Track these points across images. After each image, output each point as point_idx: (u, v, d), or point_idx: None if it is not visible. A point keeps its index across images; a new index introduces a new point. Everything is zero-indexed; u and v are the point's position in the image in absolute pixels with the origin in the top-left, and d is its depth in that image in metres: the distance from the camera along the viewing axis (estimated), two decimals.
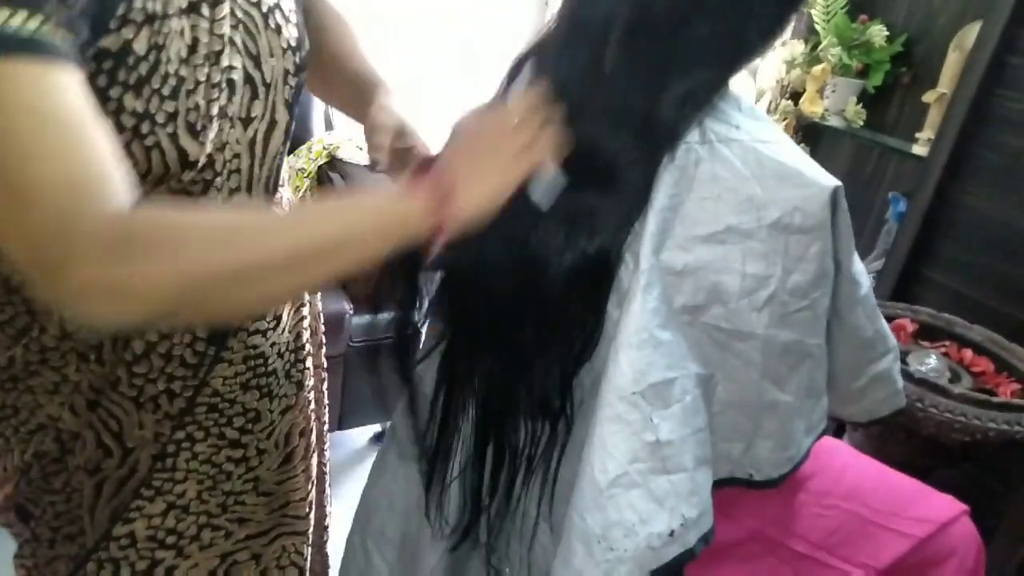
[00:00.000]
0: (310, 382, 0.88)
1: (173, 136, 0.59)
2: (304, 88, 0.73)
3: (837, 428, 1.47)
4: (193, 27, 0.59)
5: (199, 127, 0.60)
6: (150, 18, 0.55)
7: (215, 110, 0.61)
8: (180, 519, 0.76)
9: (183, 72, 0.58)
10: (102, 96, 0.54)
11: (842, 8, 1.75)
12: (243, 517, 0.81)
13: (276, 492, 0.85)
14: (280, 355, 0.81)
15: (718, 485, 0.63)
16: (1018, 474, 1.37)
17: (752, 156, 0.56)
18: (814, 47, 1.79)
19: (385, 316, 1.92)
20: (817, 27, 1.78)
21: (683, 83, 0.56)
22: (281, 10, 0.68)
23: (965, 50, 1.57)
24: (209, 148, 0.62)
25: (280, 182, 0.74)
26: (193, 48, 0.59)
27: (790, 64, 1.77)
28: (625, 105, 0.57)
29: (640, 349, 0.55)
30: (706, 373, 0.58)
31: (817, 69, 1.74)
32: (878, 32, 1.70)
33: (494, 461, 0.66)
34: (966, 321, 1.51)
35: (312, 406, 0.89)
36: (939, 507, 0.86)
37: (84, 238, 0.45)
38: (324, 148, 1.85)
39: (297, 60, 0.69)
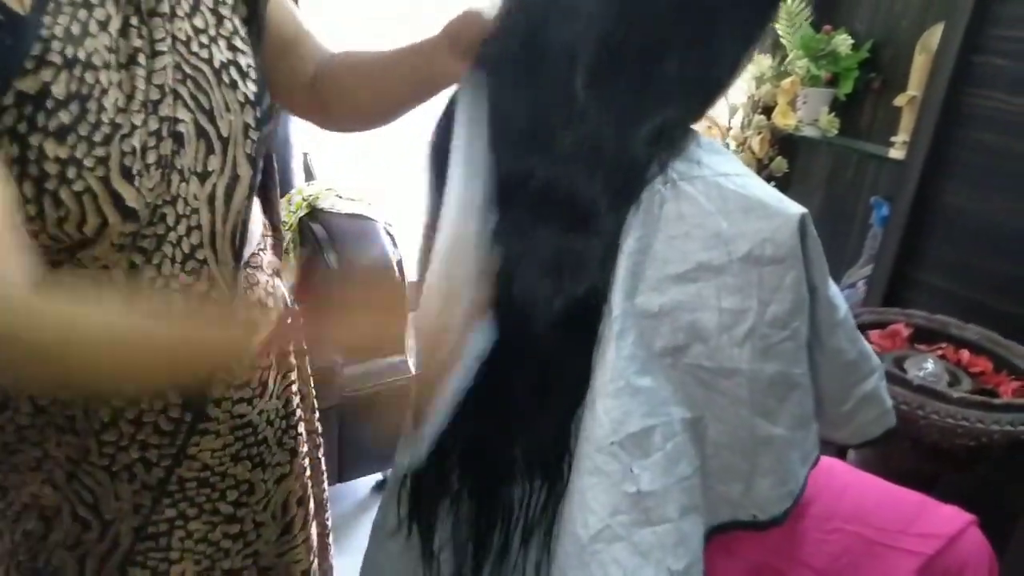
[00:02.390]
0: (304, 448, 0.86)
1: (104, 179, 0.58)
2: (269, 142, 0.73)
3: (840, 448, 1.45)
4: (132, 77, 0.59)
5: (134, 171, 0.59)
6: (69, 63, 0.55)
7: (152, 157, 0.61)
8: None
9: (119, 120, 0.58)
10: (21, 143, 0.54)
11: (806, 20, 1.76)
12: None
13: (277, 565, 0.83)
14: (270, 423, 0.79)
15: (722, 529, 0.61)
16: None
17: (716, 191, 0.55)
18: (781, 60, 1.81)
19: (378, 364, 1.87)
20: (783, 40, 1.79)
21: (653, 121, 0.56)
22: (237, 66, 0.67)
23: (931, 52, 1.58)
24: (150, 198, 0.61)
25: (248, 236, 0.72)
26: (131, 96, 0.59)
27: (759, 79, 1.78)
28: (596, 145, 0.57)
29: (616, 398, 0.54)
30: (693, 416, 0.56)
31: (786, 82, 1.75)
32: (843, 41, 1.71)
33: (486, 526, 0.64)
34: (960, 321, 1.49)
35: (308, 472, 0.87)
36: (946, 520, 0.84)
37: None
38: (304, 199, 1.85)
39: (257, 114, 0.68)
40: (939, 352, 1.47)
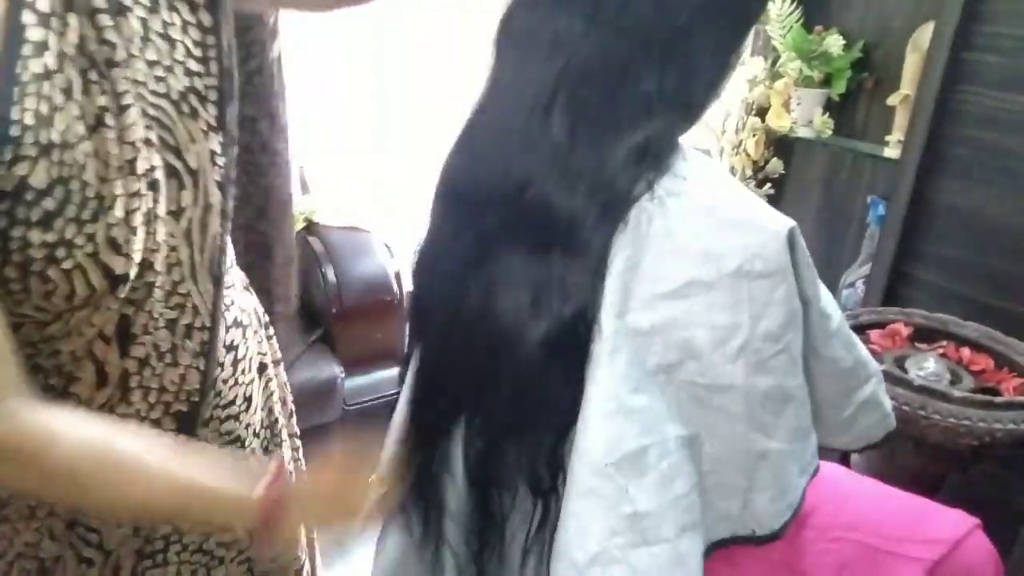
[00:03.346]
0: (288, 453, 0.88)
1: (94, 256, 0.58)
2: (236, 163, 0.71)
3: (843, 453, 1.45)
4: (103, 141, 0.58)
5: (122, 240, 0.59)
6: (45, 149, 0.54)
7: (138, 219, 0.60)
8: None
9: (102, 191, 0.57)
10: (2, 236, 0.53)
11: (797, 22, 1.76)
12: None
13: (272, 570, 0.84)
14: (256, 434, 0.80)
15: (722, 545, 0.61)
16: None
17: (703, 207, 0.55)
18: (774, 62, 1.81)
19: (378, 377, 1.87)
20: (774, 43, 1.79)
21: (634, 139, 0.56)
22: (195, 91, 0.65)
23: (922, 51, 1.58)
24: (139, 257, 0.61)
25: (227, 261, 0.72)
26: (106, 163, 0.58)
27: (752, 82, 1.78)
28: (578, 166, 0.57)
29: (610, 419, 0.53)
30: (689, 434, 0.56)
31: (779, 84, 1.75)
32: (835, 41, 1.71)
33: (482, 547, 0.64)
34: (959, 319, 1.49)
35: (293, 473, 0.89)
36: (949, 524, 0.83)
37: None
38: (300, 213, 1.85)
39: (221, 139, 0.67)
40: (940, 351, 1.46)
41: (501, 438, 0.63)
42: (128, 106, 0.59)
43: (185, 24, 0.65)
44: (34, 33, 0.55)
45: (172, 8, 0.64)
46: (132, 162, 0.59)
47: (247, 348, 0.79)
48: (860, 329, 1.51)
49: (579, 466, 0.55)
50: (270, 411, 0.84)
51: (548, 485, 0.60)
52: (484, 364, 0.62)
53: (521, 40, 0.60)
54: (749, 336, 0.54)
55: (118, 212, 0.58)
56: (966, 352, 1.45)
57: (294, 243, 1.05)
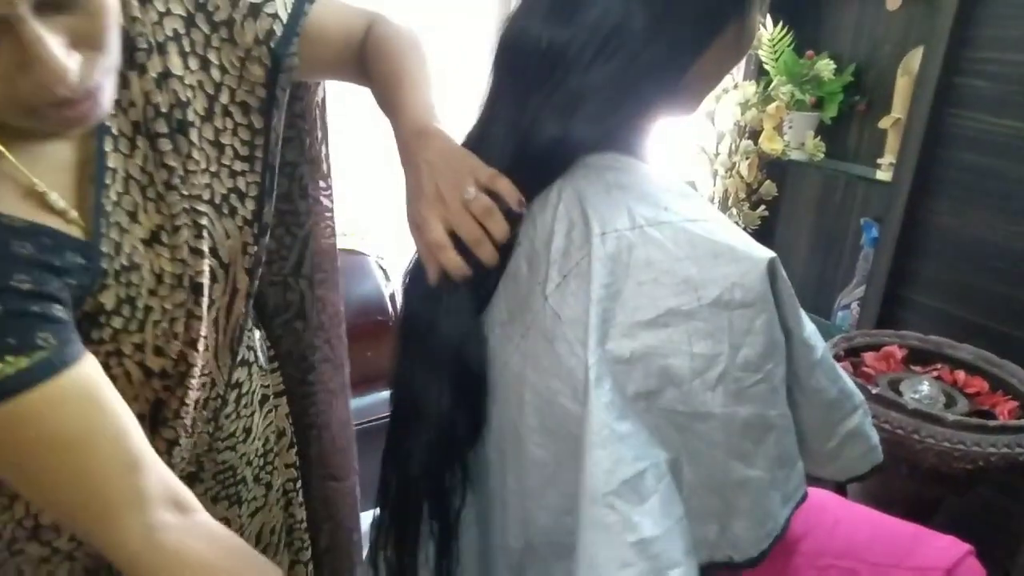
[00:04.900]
0: (279, 480, 0.87)
1: (140, 363, 0.62)
2: (265, 245, 0.73)
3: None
4: (158, 256, 0.61)
5: (163, 344, 0.62)
6: (117, 274, 0.57)
7: (180, 326, 0.63)
8: None
9: (151, 303, 0.60)
10: None
11: (788, 46, 1.78)
12: None
13: None
14: (249, 463, 0.81)
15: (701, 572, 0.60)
16: None
17: (683, 236, 0.55)
18: (766, 86, 1.82)
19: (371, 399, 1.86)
20: (766, 67, 1.81)
21: (554, 131, 0.58)
22: (237, 191, 0.67)
23: (913, 74, 1.60)
24: (174, 353, 0.64)
25: (246, 330, 0.75)
26: (160, 279, 0.61)
27: (744, 105, 1.79)
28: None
29: (604, 447, 0.53)
30: (671, 457, 0.56)
31: (772, 107, 1.77)
32: (826, 66, 1.73)
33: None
34: (954, 341, 1.49)
35: (281, 500, 0.89)
36: (941, 551, 0.82)
37: (120, 535, 0.53)
38: None
39: (255, 230, 0.68)
40: (934, 373, 1.46)
41: (433, 451, 0.65)
42: (180, 226, 0.62)
43: (236, 127, 0.66)
44: (112, 160, 0.58)
45: (226, 114, 0.65)
46: (180, 276, 0.62)
47: (251, 383, 0.80)
48: (855, 351, 1.50)
49: (581, 499, 0.54)
50: (267, 440, 0.84)
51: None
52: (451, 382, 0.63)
53: (513, 51, 0.61)
54: (728, 365, 0.54)
55: (164, 323, 0.62)
56: (961, 375, 1.44)
57: (340, 311, 0.92)
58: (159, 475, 0.55)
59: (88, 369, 0.52)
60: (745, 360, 0.54)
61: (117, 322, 0.58)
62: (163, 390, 0.65)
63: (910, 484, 1.33)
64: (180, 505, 0.56)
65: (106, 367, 0.57)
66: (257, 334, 0.85)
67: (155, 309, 0.61)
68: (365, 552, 0.88)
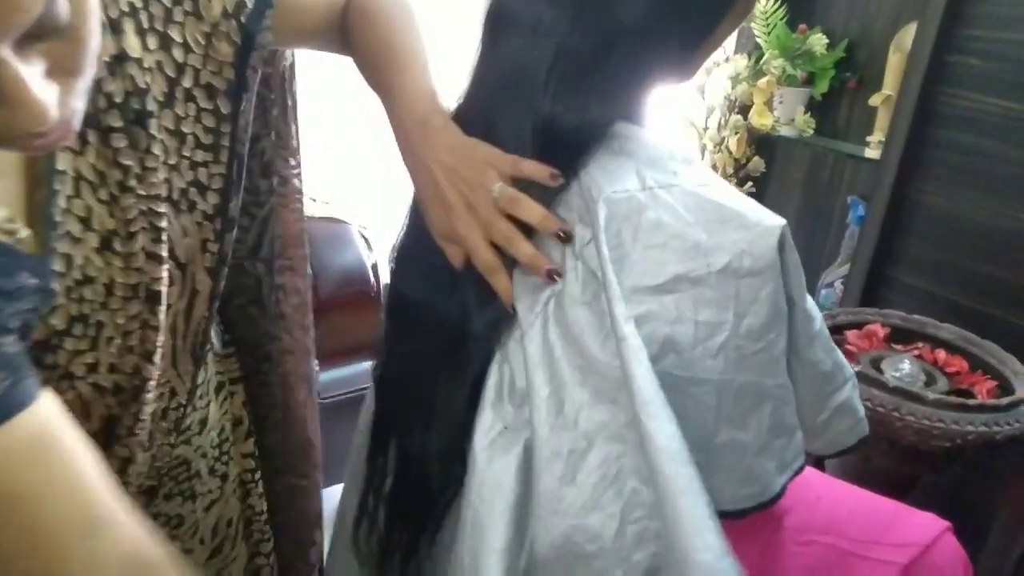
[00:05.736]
0: (235, 470, 0.83)
1: (93, 384, 0.57)
2: (231, 242, 0.66)
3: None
4: (108, 265, 0.54)
5: (116, 360, 0.57)
6: (68, 290, 0.52)
7: (135, 339, 0.58)
8: None
9: (102, 318, 0.54)
10: None
11: (781, 20, 1.76)
12: None
13: None
14: (204, 455, 0.76)
15: None
16: (1003, 474, 1.34)
17: (694, 200, 0.54)
18: (757, 60, 1.80)
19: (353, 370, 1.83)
20: (758, 40, 1.79)
21: (578, 116, 0.56)
22: (198, 184, 0.60)
23: (905, 51, 1.58)
24: (129, 368, 0.58)
25: (209, 336, 0.69)
26: (110, 291, 0.55)
27: (735, 79, 1.77)
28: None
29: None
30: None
31: (762, 81, 1.75)
32: (818, 40, 1.71)
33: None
34: (936, 321, 1.50)
35: (238, 491, 0.84)
36: (920, 528, 0.83)
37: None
38: None
39: (217, 226, 0.62)
40: (915, 352, 1.47)
41: (427, 428, 0.63)
42: (136, 232, 0.55)
43: (199, 112, 0.59)
44: (61, 160, 0.51)
45: (189, 99, 0.58)
46: (135, 286, 0.56)
47: (207, 371, 0.76)
48: (837, 329, 1.51)
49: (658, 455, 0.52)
50: (222, 429, 0.80)
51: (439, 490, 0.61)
52: (437, 356, 0.62)
53: (507, 27, 0.58)
54: (731, 333, 0.53)
55: (118, 337, 0.56)
56: (941, 354, 1.45)
57: (306, 300, 0.84)
58: (120, 536, 0.46)
59: (45, 411, 0.44)
60: (748, 329, 0.53)
61: (69, 343, 0.53)
62: (116, 406, 0.60)
63: (888, 461, 1.35)
64: (141, 569, 0.48)
65: (58, 391, 0.51)
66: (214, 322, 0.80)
67: (107, 324, 0.55)
68: (328, 537, 0.85)
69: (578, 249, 0.55)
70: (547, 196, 0.56)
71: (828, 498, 0.82)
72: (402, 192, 0.67)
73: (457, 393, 0.59)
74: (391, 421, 0.69)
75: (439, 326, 0.61)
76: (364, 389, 0.83)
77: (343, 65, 0.72)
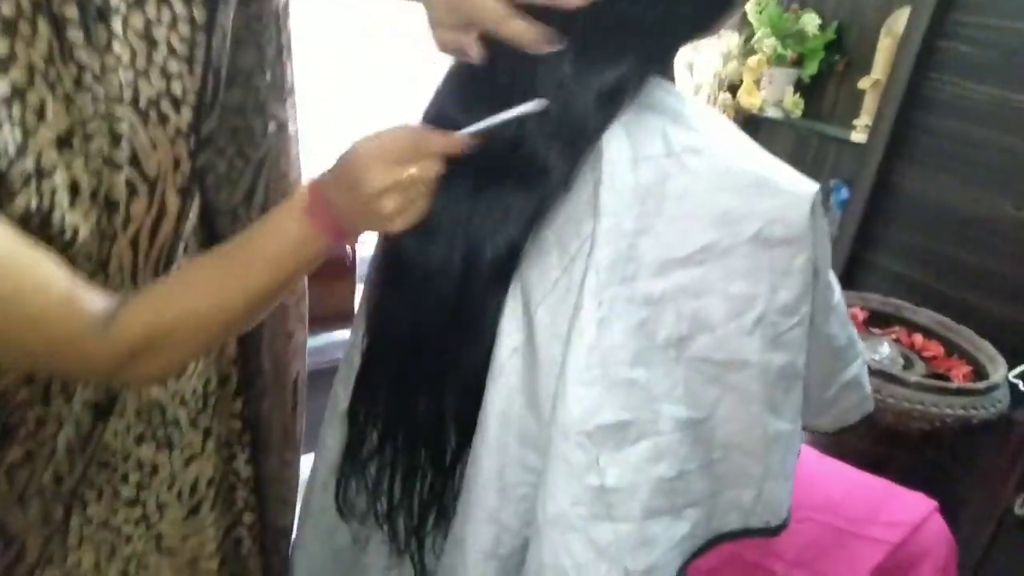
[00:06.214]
0: (220, 429, 0.80)
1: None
2: (205, 164, 0.66)
3: None
4: (69, 165, 0.53)
5: (68, 263, 0.54)
6: (26, 180, 0.50)
7: (93, 246, 0.57)
8: None
9: (69, 219, 0.54)
10: None
11: None
12: None
13: (181, 549, 0.78)
14: (183, 403, 0.74)
15: (730, 537, 0.58)
16: (976, 458, 1.37)
17: (723, 165, 0.51)
18: (748, 38, 1.78)
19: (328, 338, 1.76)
20: (750, 18, 1.77)
21: (614, 71, 0.52)
22: (170, 95, 0.58)
23: (896, 36, 1.58)
24: (83, 274, 0.56)
25: (175, 257, 0.66)
26: (75, 190, 0.54)
27: (726, 57, 1.75)
28: (559, 101, 0.52)
29: (589, 387, 0.50)
30: (693, 416, 0.53)
31: (753, 60, 1.73)
32: (810, 20, 1.70)
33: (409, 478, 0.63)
34: (913, 305, 1.51)
35: (222, 451, 0.81)
36: (910, 507, 0.84)
37: (94, 357, 0.52)
38: None
39: (191, 144, 0.60)
40: (893, 336, 1.48)
41: (416, 390, 0.60)
42: (93, 133, 0.54)
43: (174, 19, 0.57)
44: (2, 45, 0.48)
45: (162, 1, 0.56)
46: (96, 189, 0.55)
47: None
48: None
49: (553, 429, 0.52)
50: (207, 382, 0.77)
51: (452, 444, 0.59)
52: (420, 309, 0.59)
53: None
54: (766, 308, 0.51)
55: (73, 240, 0.55)
56: (918, 338, 1.47)
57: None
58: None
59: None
60: (783, 303, 0.51)
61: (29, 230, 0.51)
62: None
63: (864, 442, 1.36)
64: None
65: None
66: None
67: (68, 229, 0.54)
68: (298, 505, 0.84)
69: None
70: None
71: (823, 476, 0.82)
72: None
73: (472, 351, 0.56)
74: (383, 383, 0.65)
75: (438, 275, 0.57)
76: (338, 359, 0.80)
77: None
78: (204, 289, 0.56)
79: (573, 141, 0.52)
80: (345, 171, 0.54)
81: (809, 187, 0.52)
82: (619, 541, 0.52)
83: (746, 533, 0.59)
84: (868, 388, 0.69)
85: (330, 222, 0.55)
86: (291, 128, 0.77)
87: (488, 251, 0.54)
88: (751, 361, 0.52)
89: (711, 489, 0.56)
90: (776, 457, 0.56)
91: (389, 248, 0.61)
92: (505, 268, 0.54)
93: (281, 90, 0.74)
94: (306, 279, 0.88)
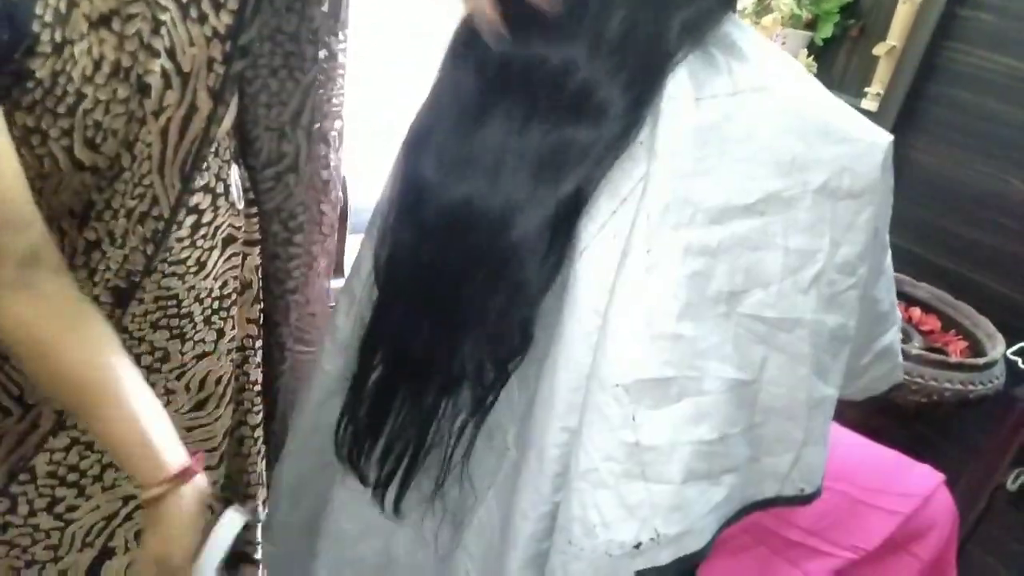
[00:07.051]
0: (234, 331, 0.84)
1: (68, 149, 0.59)
2: (244, 77, 0.73)
3: None
4: (101, 42, 0.57)
5: (98, 140, 0.60)
6: (58, 47, 0.55)
7: (119, 123, 0.61)
8: (83, 456, 0.74)
9: (85, 90, 0.57)
10: None
11: None
12: None
13: (184, 439, 0.79)
14: (199, 300, 0.78)
15: (763, 506, 0.56)
16: (970, 433, 1.38)
17: (792, 107, 0.47)
18: None
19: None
20: None
21: (688, 8, 0.48)
22: None
23: (916, 2, 1.53)
24: (111, 154, 0.62)
25: (206, 166, 0.71)
26: (98, 66, 0.57)
27: (741, 14, 1.69)
28: (621, 33, 0.48)
29: (633, 340, 0.47)
30: (741, 378, 0.50)
31: (768, 19, 1.68)
32: None
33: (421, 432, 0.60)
34: (913, 279, 1.50)
35: (234, 355, 0.87)
36: (921, 479, 0.83)
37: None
38: None
39: (227, 48, 0.63)
40: None
41: (460, 330, 0.56)
42: (135, 15, 0.58)
43: None
44: None
45: None
46: (128, 69, 0.59)
47: (214, 214, 0.76)
48: None
49: (591, 381, 0.49)
50: (224, 284, 0.80)
51: (491, 380, 0.55)
52: (462, 247, 0.55)
53: None
54: (826, 264, 0.48)
55: (97, 114, 0.59)
56: (916, 312, 1.47)
57: (338, 177, 0.88)
58: (33, 237, 0.54)
59: None
60: (844, 260, 0.48)
61: (39, 92, 0.55)
62: (95, 189, 0.64)
63: (858, 412, 1.35)
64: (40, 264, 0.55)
65: (26, 143, 0.57)
66: (235, 170, 0.79)
67: (88, 96, 0.58)
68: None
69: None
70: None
71: (838, 445, 0.80)
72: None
73: (512, 309, 0.52)
74: (394, 331, 0.61)
75: (476, 216, 0.52)
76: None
77: None
78: (101, 365, 0.58)
79: (644, 76, 0.48)
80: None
81: (883, 137, 0.48)
82: (652, 502, 0.50)
83: (776, 501, 0.56)
84: (900, 357, 0.67)
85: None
86: (340, 58, 0.83)
87: (551, 195, 0.49)
88: (804, 320, 0.49)
89: (750, 455, 0.53)
90: (817, 422, 0.53)
91: (415, 185, 0.57)
92: (569, 214, 0.50)
93: (336, 22, 0.80)
94: (336, 230, 0.94)
